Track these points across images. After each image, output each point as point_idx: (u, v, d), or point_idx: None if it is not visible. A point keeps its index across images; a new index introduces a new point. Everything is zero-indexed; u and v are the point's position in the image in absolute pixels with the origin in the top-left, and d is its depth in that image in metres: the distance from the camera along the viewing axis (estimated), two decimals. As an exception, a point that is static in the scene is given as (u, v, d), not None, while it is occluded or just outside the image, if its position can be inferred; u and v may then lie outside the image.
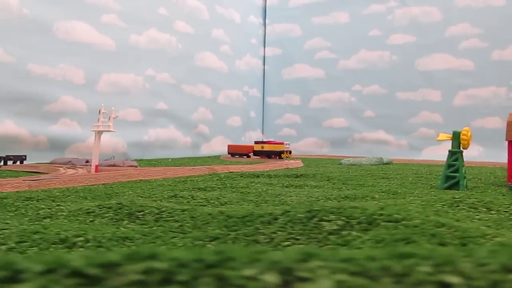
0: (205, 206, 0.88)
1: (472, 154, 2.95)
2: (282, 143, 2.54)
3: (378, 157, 2.40)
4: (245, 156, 2.77)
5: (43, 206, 0.85)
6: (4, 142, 2.08)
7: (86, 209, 0.80)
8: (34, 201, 0.92)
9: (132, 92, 2.65)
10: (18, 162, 1.82)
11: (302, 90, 3.65)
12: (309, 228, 0.56)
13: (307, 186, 1.28)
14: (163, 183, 1.30)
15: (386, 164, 2.39)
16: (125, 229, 0.65)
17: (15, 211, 0.81)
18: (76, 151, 2.36)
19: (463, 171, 1.30)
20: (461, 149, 1.34)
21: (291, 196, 1.02)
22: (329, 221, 0.57)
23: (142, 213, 0.74)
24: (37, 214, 0.78)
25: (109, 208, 0.79)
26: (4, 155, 1.79)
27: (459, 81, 3.05)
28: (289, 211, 0.61)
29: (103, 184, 1.26)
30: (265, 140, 2.80)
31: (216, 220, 0.64)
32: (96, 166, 1.51)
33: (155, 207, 0.76)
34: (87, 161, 1.80)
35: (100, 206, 0.81)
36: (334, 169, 1.94)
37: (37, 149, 2.20)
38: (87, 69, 2.42)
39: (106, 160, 1.96)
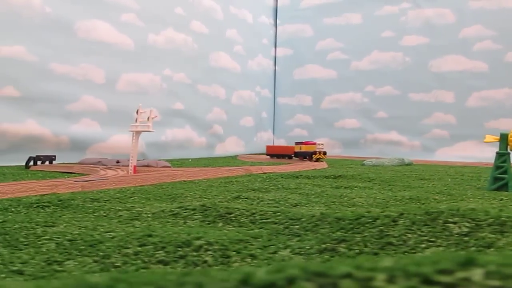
0: (278, 207, 0.86)
1: (485, 155, 2.96)
2: (314, 143, 2.46)
3: (399, 158, 2.40)
4: (287, 157, 2.64)
5: (119, 208, 0.83)
6: (28, 142, 2.06)
7: (169, 211, 0.79)
8: (102, 203, 0.90)
9: (150, 92, 2.63)
10: (47, 162, 1.80)
11: (314, 91, 3.64)
12: (438, 230, 0.55)
13: (356, 187, 1.27)
14: (211, 183, 1.29)
15: (407, 165, 2.39)
16: (228, 232, 0.64)
17: (93, 213, 0.80)
18: (97, 151, 2.33)
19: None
20: (509, 150, 1.33)
21: (355, 198, 1.01)
22: (454, 223, 0.56)
23: (232, 215, 0.73)
24: (120, 216, 0.77)
25: (193, 209, 0.78)
26: (34, 155, 1.76)
27: (473, 82, 3.06)
28: (404, 213, 0.60)
29: (151, 185, 1.25)
30: (302, 141, 2.63)
31: (326, 222, 0.63)
32: (134, 167, 1.50)
33: (244, 209, 0.75)
34: (117, 161, 1.78)
35: (182, 208, 0.80)
36: (364, 170, 1.94)
37: (59, 149, 2.17)
38: (107, 69, 2.40)
39: (139, 160, 1.93)
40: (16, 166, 1.89)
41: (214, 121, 3.11)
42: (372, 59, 3.40)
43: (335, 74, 3.56)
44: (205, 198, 0.99)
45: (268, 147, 2.91)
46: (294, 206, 0.89)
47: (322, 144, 2.44)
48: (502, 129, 2.99)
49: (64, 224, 0.68)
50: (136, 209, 0.82)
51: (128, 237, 0.58)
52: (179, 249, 0.53)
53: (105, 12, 2.38)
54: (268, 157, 2.81)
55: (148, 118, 1.50)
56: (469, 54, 3.08)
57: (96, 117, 2.36)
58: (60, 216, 0.75)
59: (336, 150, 3.50)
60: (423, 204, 0.94)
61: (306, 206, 0.90)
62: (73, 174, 1.54)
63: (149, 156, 2.59)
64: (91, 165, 1.68)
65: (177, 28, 2.80)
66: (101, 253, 0.51)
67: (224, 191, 1.12)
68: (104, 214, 0.78)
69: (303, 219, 0.66)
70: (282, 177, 1.52)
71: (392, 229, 0.57)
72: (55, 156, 1.83)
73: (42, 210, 0.82)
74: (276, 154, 2.76)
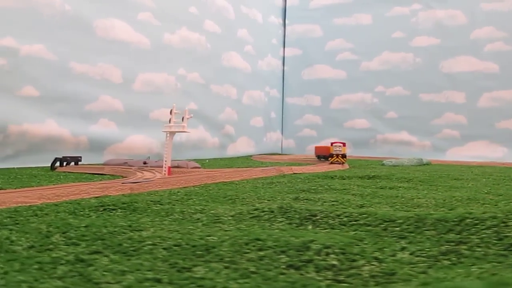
0: (346, 208, 0.86)
1: (496, 155, 2.99)
2: (340, 144, 2.21)
3: (418, 158, 2.41)
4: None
5: (191, 211, 0.82)
6: (48, 143, 2.03)
7: (247, 213, 0.77)
8: (167, 205, 0.89)
9: (166, 91, 2.61)
10: (72, 164, 1.77)
11: (323, 91, 3.64)
12: (558, 232, 0.54)
13: (400, 187, 1.27)
14: (254, 184, 1.28)
15: (426, 165, 2.40)
16: (326, 235, 0.63)
17: (168, 216, 0.78)
18: (115, 152, 2.31)
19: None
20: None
21: (413, 198, 1.00)
22: None
23: (317, 217, 0.72)
24: (198, 219, 0.75)
25: (271, 212, 0.77)
26: (60, 157, 1.73)
27: (484, 83, 3.08)
28: (509, 214, 0.60)
29: (195, 186, 1.23)
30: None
31: (428, 224, 0.62)
32: (169, 168, 1.48)
33: (325, 211, 0.74)
34: (144, 162, 1.76)
35: (259, 210, 0.78)
36: (390, 170, 1.93)
37: (78, 150, 2.15)
38: (125, 68, 2.38)
39: (156, 161, 1.92)
40: (39, 167, 1.87)
41: (226, 121, 3.09)
42: (383, 60, 3.41)
43: (344, 74, 3.56)
44: (265, 199, 0.98)
45: (316, 148, 2.68)
46: (361, 207, 0.89)
47: (341, 144, 2.19)
48: (514, 129, 3.01)
49: (152, 228, 0.66)
50: (210, 211, 0.81)
51: (235, 241, 0.56)
52: (300, 253, 0.51)
53: (122, 11, 2.36)
54: (316, 158, 2.62)
55: (182, 118, 1.48)
56: (480, 55, 3.09)
57: (113, 117, 2.33)
58: (137, 220, 0.74)
59: (346, 150, 3.49)
60: (483, 204, 0.94)
61: (373, 207, 0.89)
62: (105, 176, 1.52)
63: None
64: (121, 166, 1.66)
65: (191, 28, 2.78)
66: (226, 259, 0.50)
67: (275, 192, 1.11)
68: (181, 217, 0.77)
69: (399, 221, 0.65)
70: (318, 177, 1.51)
71: (507, 230, 0.56)
72: (81, 157, 1.80)
73: (111, 213, 0.81)
74: (324, 155, 2.52)
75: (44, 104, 2.03)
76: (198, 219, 0.75)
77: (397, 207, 0.90)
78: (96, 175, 1.55)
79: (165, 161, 1.48)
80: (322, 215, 0.72)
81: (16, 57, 1.92)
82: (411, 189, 1.22)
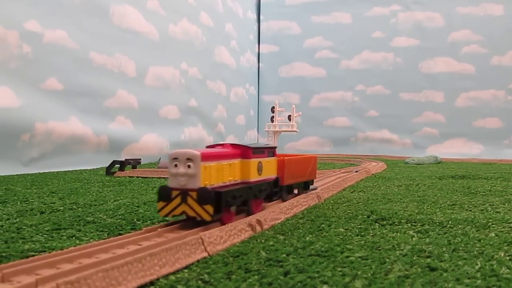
0: None
1: (473, 152, 3.16)
2: None
3: (434, 156, 2.46)
4: None
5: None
6: (71, 143, 1.79)
7: None
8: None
9: (172, 87, 2.42)
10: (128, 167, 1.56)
11: (301, 89, 3.60)
12: None
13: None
14: (427, 187, 1.21)
15: (439, 163, 2.46)
16: None
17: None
18: (131, 152, 2.09)
19: None
20: None
21: None
22: None
23: None
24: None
25: None
26: (123, 159, 1.51)
27: (461, 83, 3.23)
28: None
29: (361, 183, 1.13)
30: None
31: None
32: (273, 170, 1.35)
33: None
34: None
35: None
36: (437, 168, 1.94)
37: (98, 151, 1.92)
38: (137, 60, 2.17)
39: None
40: (68, 171, 1.63)
41: (219, 119, 2.94)
42: (363, 59, 3.45)
43: (324, 72, 3.55)
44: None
45: None
46: None
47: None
48: (489, 127, 3.21)
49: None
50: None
51: None
52: None
53: (134, -3, 2.15)
54: None
55: (289, 117, 1.37)
56: (457, 56, 3.24)
57: (129, 114, 2.12)
58: None
59: (326, 148, 3.50)
60: None
61: None
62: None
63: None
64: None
65: (190, 19, 2.61)
66: None
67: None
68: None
69: None
70: (428, 177, 1.47)
71: None
72: (140, 159, 1.59)
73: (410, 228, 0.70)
74: None
75: (68, 99, 1.78)
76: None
77: None
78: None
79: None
80: None
81: (40, 44, 1.66)
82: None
